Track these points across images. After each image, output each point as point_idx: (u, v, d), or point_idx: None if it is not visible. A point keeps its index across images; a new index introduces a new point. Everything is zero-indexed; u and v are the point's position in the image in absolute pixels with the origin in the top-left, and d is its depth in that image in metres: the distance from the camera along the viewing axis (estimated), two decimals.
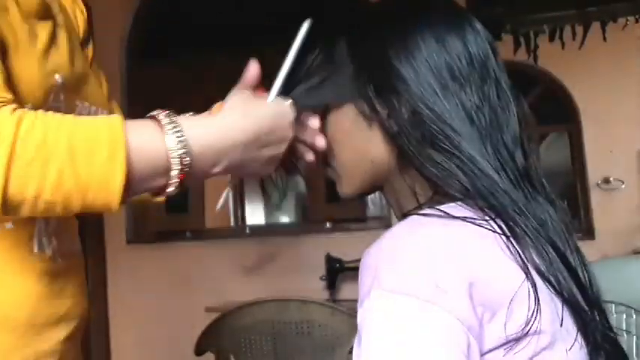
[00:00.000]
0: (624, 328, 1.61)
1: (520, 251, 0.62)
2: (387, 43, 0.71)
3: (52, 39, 0.87)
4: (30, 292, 0.80)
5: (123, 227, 3.56)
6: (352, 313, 2.20)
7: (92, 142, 0.64)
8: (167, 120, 0.68)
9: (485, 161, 0.66)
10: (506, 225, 0.63)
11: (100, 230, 3.54)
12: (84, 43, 1.01)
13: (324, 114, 0.77)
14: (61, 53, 0.89)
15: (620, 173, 4.00)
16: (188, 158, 0.67)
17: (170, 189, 0.69)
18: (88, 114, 0.90)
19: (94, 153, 0.63)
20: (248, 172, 0.77)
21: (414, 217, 0.64)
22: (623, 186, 3.99)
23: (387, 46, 0.71)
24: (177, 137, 0.67)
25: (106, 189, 0.64)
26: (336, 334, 2.15)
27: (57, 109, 0.74)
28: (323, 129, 0.77)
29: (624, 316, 1.66)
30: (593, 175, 4.04)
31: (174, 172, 0.67)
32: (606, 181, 4.01)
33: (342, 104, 0.74)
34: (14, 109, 0.64)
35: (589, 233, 3.92)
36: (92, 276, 3.46)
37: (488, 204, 0.64)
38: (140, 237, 3.59)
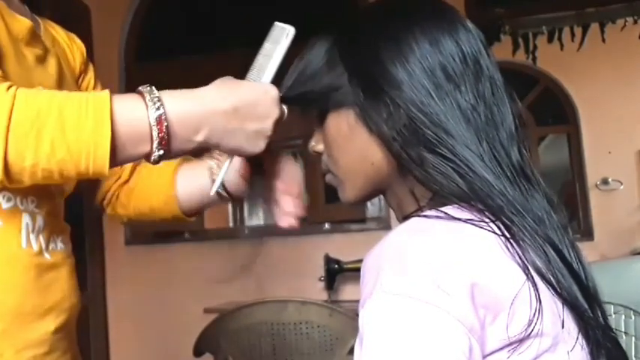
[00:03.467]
0: (623, 329, 1.61)
1: (520, 252, 0.61)
2: (380, 47, 0.70)
3: (40, 61, 0.93)
4: (17, 282, 0.84)
5: (122, 228, 3.55)
6: (351, 314, 2.20)
7: (80, 114, 0.69)
8: (148, 89, 0.73)
9: (481, 162, 0.66)
10: (505, 226, 0.63)
11: (99, 231, 3.53)
12: (80, 78, 1.06)
13: (322, 118, 0.76)
14: (48, 73, 0.94)
15: (619, 174, 4.00)
16: (166, 123, 0.71)
17: (155, 154, 0.72)
18: None
19: (81, 124, 0.69)
20: (235, 145, 0.77)
21: (416, 219, 0.64)
22: (621, 187, 3.99)
23: (379, 50, 0.70)
24: (155, 103, 0.72)
25: (94, 157, 0.69)
26: (335, 335, 2.15)
27: None
28: (323, 133, 0.77)
29: (623, 317, 1.65)
30: (592, 176, 4.04)
31: (154, 135, 0.71)
32: (605, 182, 4.01)
33: (340, 109, 0.73)
34: (9, 87, 0.69)
35: (588, 234, 3.92)
36: (91, 277, 3.46)
37: (485, 206, 0.64)
38: (139, 238, 3.59)
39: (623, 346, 0.70)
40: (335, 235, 3.42)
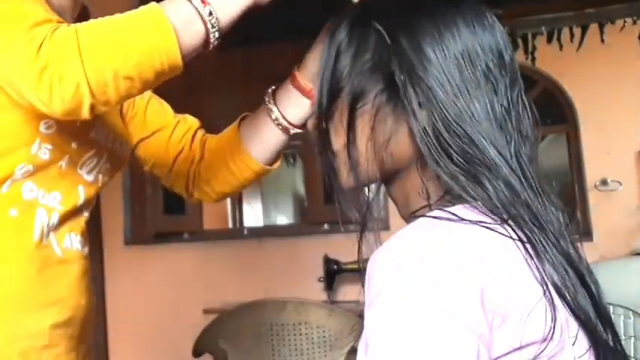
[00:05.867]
0: (622, 330, 1.61)
1: (539, 265, 0.60)
2: (418, 27, 0.67)
3: None
4: (17, 271, 0.86)
5: (121, 228, 3.55)
6: (350, 315, 2.20)
7: (137, 20, 0.77)
8: None
9: (508, 168, 0.64)
10: (525, 236, 0.61)
11: (98, 231, 3.53)
12: None
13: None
14: None
15: (618, 175, 3.99)
16: None
17: (209, 23, 0.78)
18: (106, 139, 0.99)
19: (143, 27, 0.76)
20: None
21: (425, 219, 0.62)
22: (621, 187, 3.99)
23: (417, 30, 0.67)
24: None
25: (167, 52, 0.76)
26: (334, 336, 2.15)
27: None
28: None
29: (622, 317, 1.65)
30: (591, 176, 4.04)
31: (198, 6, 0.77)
32: (604, 182, 4.00)
33: (370, 91, 0.69)
34: (72, 25, 0.76)
35: (587, 235, 3.91)
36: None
37: (508, 214, 0.62)
38: (138, 238, 3.59)
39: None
40: (334, 235, 3.41)
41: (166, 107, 1.14)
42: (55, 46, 0.73)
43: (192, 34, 0.78)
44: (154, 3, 0.78)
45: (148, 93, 1.13)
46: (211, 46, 0.80)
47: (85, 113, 0.75)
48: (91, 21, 0.77)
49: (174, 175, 1.12)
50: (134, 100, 1.09)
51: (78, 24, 0.76)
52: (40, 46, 0.73)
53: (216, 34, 0.79)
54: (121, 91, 0.76)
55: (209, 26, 0.78)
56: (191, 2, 0.78)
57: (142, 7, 0.78)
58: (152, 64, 0.76)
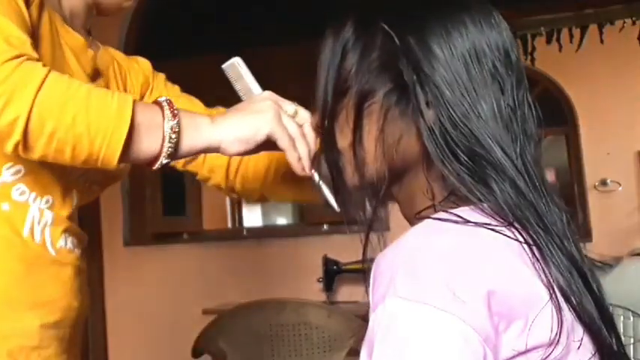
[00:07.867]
0: (622, 331, 1.61)
1: (545, 269, 0.60)
2: (428, 30, 0.66)
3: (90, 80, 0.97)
4: (7, 267, 0.85)
5: (120, 229, 3.55)
6: (349, 315, 2.20)
7: (106, 100, 0.74)
8: (166, 100, 0.79)
9: (514, 168, 0.64)
10: (531, 238, 0.61)
11: (97, 232, 3.53)
12: (143, 98, 1.10)
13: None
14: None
15: (618, 175, 4.00)
16: (177, 118, 0.77)
17: (166, 147, 0.76)
18: None
19: (106, 108, 0.73)
20: (253, 127, 0.80)
21: (430, 221, 0.62)
22: (620, 188, 3.99)
23: (427, 33, 0.66)
24: (172, 113, 0.77)
25: (110, 140, 0.73)
26: (333, 337, 2.15)
27: None
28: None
29: (622, 318, 1.65)
30: (591, 177, 4.04)
31: (167, 124, 0.76)
32: (603, 183, 4.01)
33: (378, 90, 0.68)
34: (46, 67, 0.74)
35: (586, 235, 3.92)
36: (89, 278, 3.45)
37: (514, 216, 0.62)
38: (137, 239, 3.59)
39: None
40: (333, 235, 3.41)
41: (197, 103, 1.10)
42: (19, 72, 0.71)
43: (147, 140, 0.75)
44: (131, 97, 0.76)
45: (177, 92, 1.10)
46: (157, 164, 0.77)
47: (7, 147, 0.73)
48: (66, 76, 0.76)
49: (209, 177, 1.10)
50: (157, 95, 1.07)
51: (54, 71, 0.74)
52: (6, 61, 0.71)
53: (169, 153, 0.77)
54: (49, 151, 0.73)
55: (166, 142, 0.76)
56: (163, 114, 0.76)
57: (120, 93, 0.77)
58: (91, 144, 0.73)
